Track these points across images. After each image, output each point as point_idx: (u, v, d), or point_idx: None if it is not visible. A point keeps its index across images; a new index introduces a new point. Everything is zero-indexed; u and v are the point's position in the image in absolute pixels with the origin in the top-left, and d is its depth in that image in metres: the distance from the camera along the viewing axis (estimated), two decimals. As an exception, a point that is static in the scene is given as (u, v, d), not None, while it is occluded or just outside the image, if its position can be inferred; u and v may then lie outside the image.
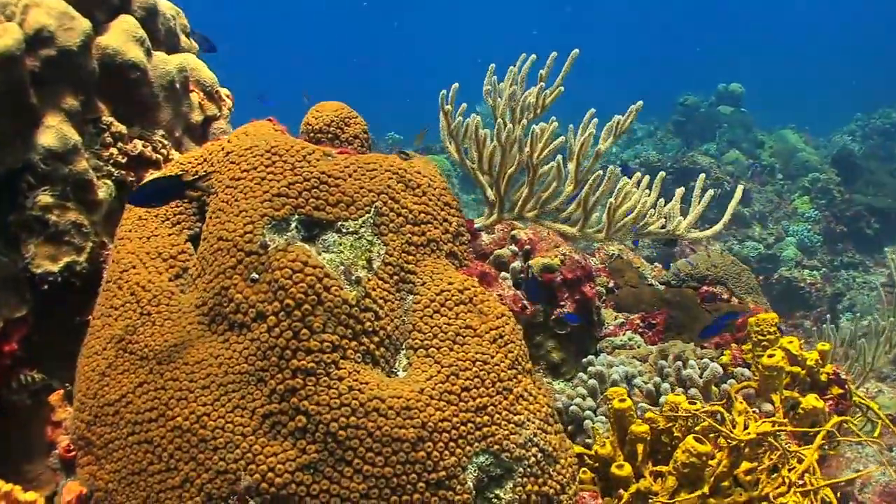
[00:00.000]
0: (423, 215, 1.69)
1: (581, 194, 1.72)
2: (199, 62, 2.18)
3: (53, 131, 1.68)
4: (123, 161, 1.85)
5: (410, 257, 1.65)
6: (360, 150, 1.93)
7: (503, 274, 2.44)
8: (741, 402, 1.74)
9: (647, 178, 1.77)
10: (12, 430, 1.81)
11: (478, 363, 1.57)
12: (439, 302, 1.61)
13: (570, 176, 1.74)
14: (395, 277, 1.61)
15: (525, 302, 2.26)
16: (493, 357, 1.59)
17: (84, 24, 1.74)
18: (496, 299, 1.67)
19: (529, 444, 1.58)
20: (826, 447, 1.93)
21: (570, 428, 2.56)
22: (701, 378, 2.14)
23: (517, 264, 2.92)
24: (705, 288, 3.20)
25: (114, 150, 1.83)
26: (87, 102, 1.80)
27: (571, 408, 2.57)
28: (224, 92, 2.28)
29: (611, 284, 3.36)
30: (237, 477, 1.40)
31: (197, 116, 2.11)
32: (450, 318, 1.60)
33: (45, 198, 1.70)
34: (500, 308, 1.67)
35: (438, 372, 1.54)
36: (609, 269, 3.41)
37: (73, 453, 1.65)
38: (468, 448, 1.51)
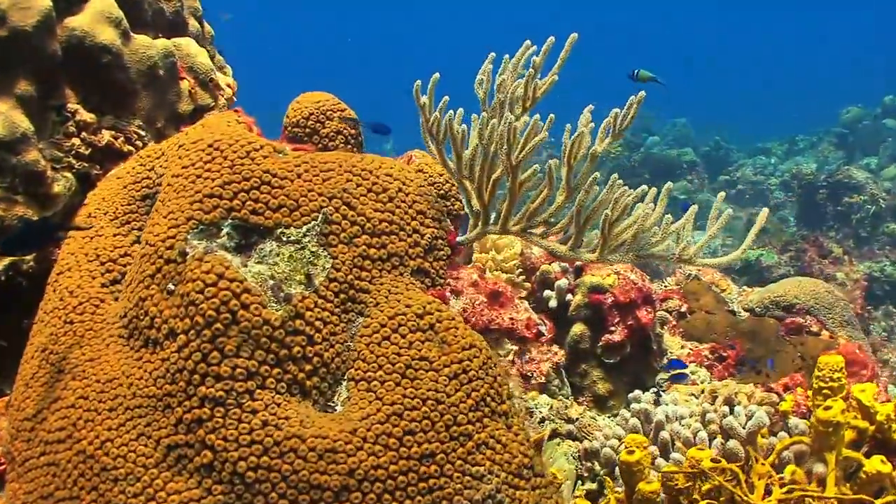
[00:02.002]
0: (384, 225, 1.52)
1: (574, 205, 1.50)
2: (195, 48, 2.09)
3: (2, 118, 1.62)
4: (87, 153, 1.76)
5: (364, 273, 1.48)
6: (343, 148, 1.77)
7: (548, 292, 2.22)
8: (763, 464, 1.47)
9: (653, 190, 1.53)
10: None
11: (429, 402, 1.39)
12: (391, 327, 1.44)
13: (562, 183, 1.52)
14: (342, 296, 1.45)
15: (542, 328, 2.04)
16: (449, 396, 1.40)
17: (42, 3, 1.66)
18: (465, 328, 1.47)
19: (490, 500, 1.38)
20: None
21: (603, 472, 2.32)
22: (744, 428, 1.86)
23: (563, 282, 2.69)
24: (791, 318, 2.88)
25: (76, 141, 1.74)
26: (47, 88, 1.73)
27: (604, 450, 2.33)
28: (225, 81, 2.18)
29: (683, 308, 3.08)
30: (127, 516, 1.27)
31: (185, 106, 2.02)
32: (400, 347, 1.42)
33: (-10, 190, 1.62)
34: (470, 338, 1.47)
35: (378, 410, 1.37)
36: (683, 292, 3.13)
37: (4, 466, 1.57)
38: (407, 502, 1.32)
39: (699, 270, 3.23)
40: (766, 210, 1.54)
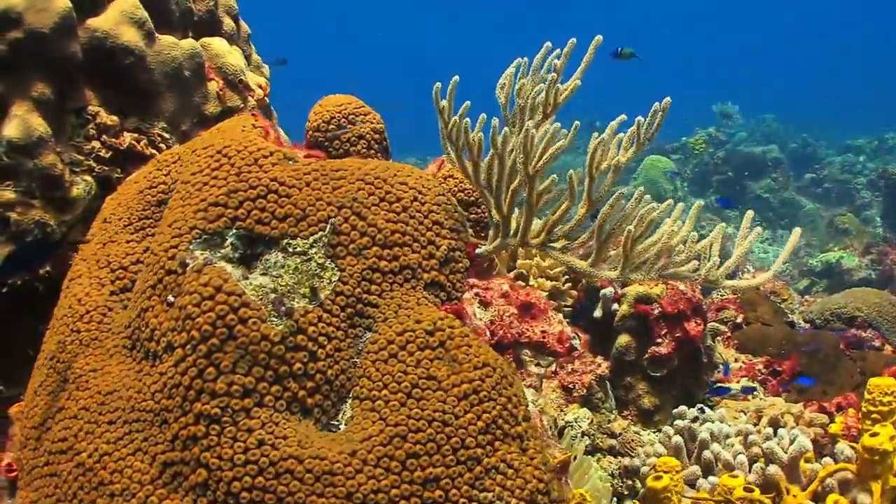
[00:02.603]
0: (397, 236, 1.46)
1: (597, 220, 1.42)
2: (225, 48, 2.07)
3: (18, 122, 1.62)
4: (108, 156, 1.75)
5: (374, 286, 1.43)
6: (366, 154, 1.73)
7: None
8: (795, 496, 1.37)
9: (680, 206, 1.43)
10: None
11: (435, 424, 1.33)
12: (398, 344, 1.38)
13: (584, 195, 1.45)
14: (349, 310, 1.40)
15: (575, 342, 1.96)
16: (458, 418, 1.34)
17: (61, 4, 1.65)
18: (480, 345, 1.41)
19: (498, 529, 1.32)
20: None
21: (643, 491, 2.23)
22: (786, 452, 1.76)
23: (609, 291, 2.60)
24: (853, 332, 2.73)
25: (96, 144, 1.73)
26: (67, 90, 1.72)
27: (643, 469, 2.24)
28: (256, 81, 2.15)
29: (739, 319, 2.96)
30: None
31: (213, 108, 2.00)
32: (408, 366, 1.37)
33: (6, 194, 1.63)
34: (484, 357, 1.41)
35: (381, 431, 1.32)
36: (741, 302, 3.00)
37: (16, 473, 1.58)
38: (408, 529, 1.28)
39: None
40: (798, 230, 1.43)
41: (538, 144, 1.39)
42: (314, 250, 1.42)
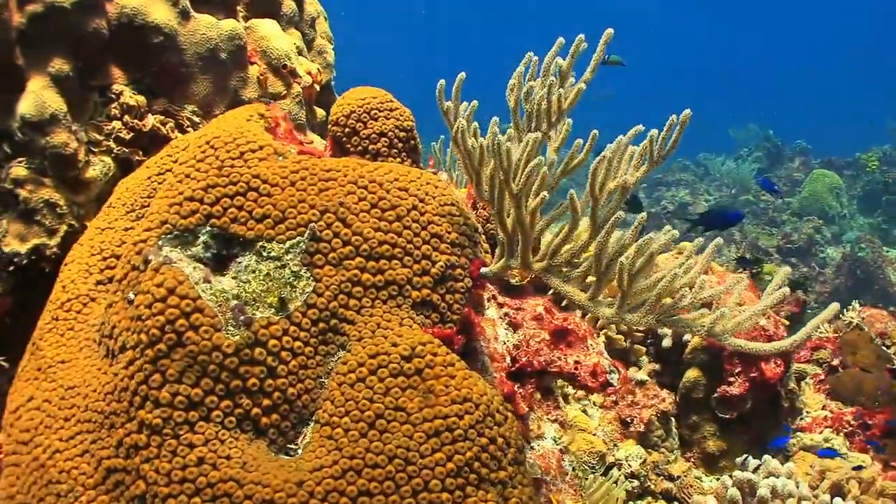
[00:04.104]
0: (385, 247, 1.36)
1: (594, 246, 1.26)
2: (273, 30, 2.01)
3: (32, 97, 1.62)
4: (129, 137, 1.73)
5: (352, 301, 1.34)
6: (387, 154, 1.63)
7: (664, 330, 1.94)
8: None
9: (699, 240, 1.25)
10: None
11: (396, 461, 1.23)
12: (369, 368, 1.29)
13: (588, 218, 1.29)
14: (322, 325, 1.31)
15: (611, 377, 1.80)
16: (423, 457, 1.24)
17: (84, -22, 1.63)
18: (466, 378, 1.29)
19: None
20: None
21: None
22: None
23: (680, 317, 2.40)
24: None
25: (117, 124, 1.71)
26: (88, 67, 1.70)
27: (689, 524, 2.05)
28: (305, 68, 2.08)
29: (836, 362, 2.68)
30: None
31: (251, 93, 1.95)
32: (375, 392, 1.27)
33: (18, 170, 1.64)
34: (467, 391, 1.30)
35: (334, 462, 1.23)
36: (840, 342, 2.72)
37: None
38: (350, 576, 1.19)
39: (863, 318, 2.80)
40: (835, 306, 1.21)
41: (520, 159, 1.24)
42: (289, 256, 1.34)
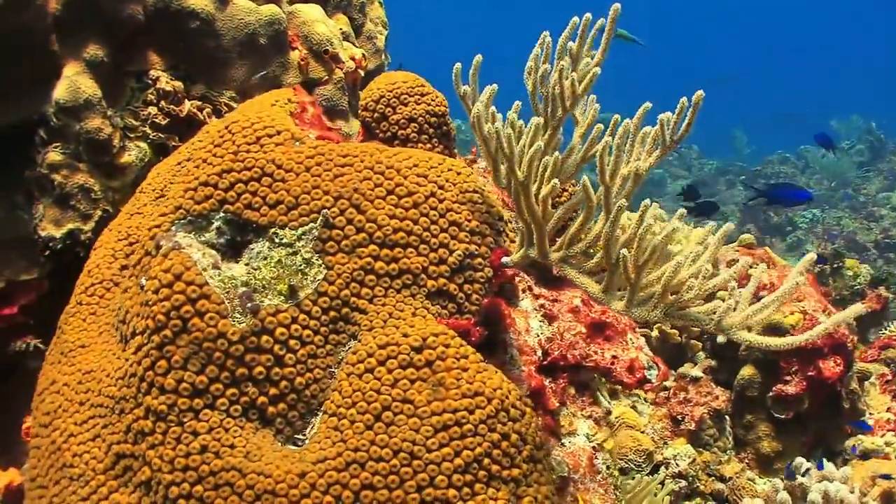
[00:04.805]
0: (400, 235, 1.33)
1: (603, 234, 1.20)
2: (315, 15, 2.00)
3: (67, 83, 1.64)
4: (164, 123, 1.74)
5: (365, 290, 1.31)
6: (416, 140, 1.60)
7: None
8: None
9: (710, 225, 1.17)
10: (21, 393, 1.83)
11: (402, 455, 1.20)
12: (378, 358, 1.26)
13: (602, 206, 1.23)
14: (333, 314, 1.29)
15: (649, 373, 1.73)
16: (429, 452, 1.21)
17: (118, -37, 1.64)
18: (480, 372, 1.26)
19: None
20: None
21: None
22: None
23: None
24: None
25: (153, 109, 1.72)
26: (126, 53, 1.72)
27: (737, 528, 1.97)
28: (349, 53, 2.07)
29: (908, 363, 2.53)
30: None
31: (291, 78, 1.94)
32: (383, 384, 1.24)
33: (54, 155, 1.67)
34: (479, 385, 1.26)
35: (338, 454, 1.21)
36: (915, 341, 2.56)
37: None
38: (350, 572, 1.17)
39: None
40: (858, 306, 1.12)
41: (523, 144, 1.19)
42: (301, 243, 1.32)
